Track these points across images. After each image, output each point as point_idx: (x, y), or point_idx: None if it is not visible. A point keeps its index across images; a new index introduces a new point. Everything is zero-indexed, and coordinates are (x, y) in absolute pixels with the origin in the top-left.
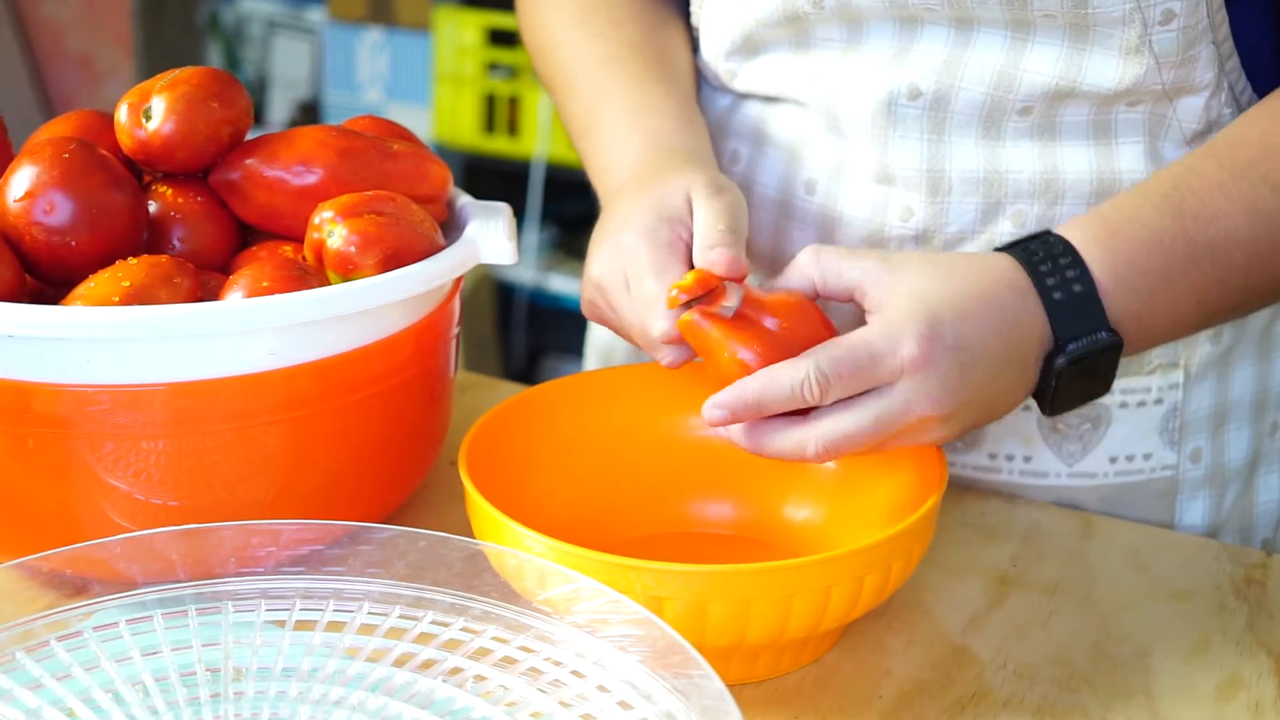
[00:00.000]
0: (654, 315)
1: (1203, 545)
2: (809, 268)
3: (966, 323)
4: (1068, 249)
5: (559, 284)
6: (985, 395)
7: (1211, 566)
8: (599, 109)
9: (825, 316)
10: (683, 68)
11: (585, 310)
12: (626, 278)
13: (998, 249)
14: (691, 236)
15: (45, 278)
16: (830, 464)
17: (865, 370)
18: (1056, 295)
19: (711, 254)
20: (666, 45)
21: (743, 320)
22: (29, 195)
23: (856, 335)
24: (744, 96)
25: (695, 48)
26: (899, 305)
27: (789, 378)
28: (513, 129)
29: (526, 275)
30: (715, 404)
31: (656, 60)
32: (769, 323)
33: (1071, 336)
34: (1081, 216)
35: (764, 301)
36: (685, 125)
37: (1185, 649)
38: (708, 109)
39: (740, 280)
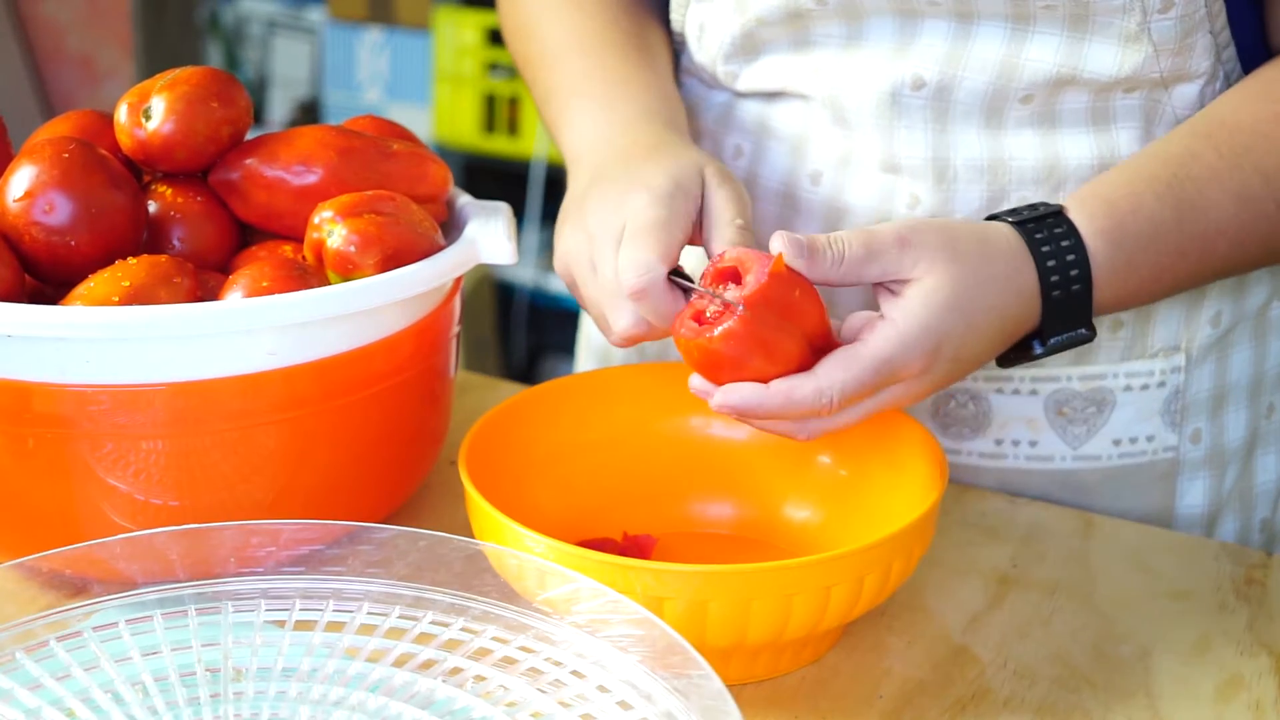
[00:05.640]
0: (638, 272)
1: (1203, 545)
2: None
3: (970, 335)
4: (1077, 246)
5: (559, 284)
6: (962, 374)
7: (1212, 566)
8: (588, 77)
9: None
10: (664, 59)
11: (559, 262)
12: (622, 234)
13: (1019, 221)
14: (697, 214)
15: (45, 278)
16: (830, 463)
17: (878, 385)
18: (1055, 294)
19: (732, 249)
20: (650, 37)
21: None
22: (29, 195)
23: (873, 351)
24: (742, 94)
25: (678, 52)
26: (918, 316)
27: (811, 398)
28: (513, 129)
29: (526, 275)
30: (727, 403)
31: (642, 46)
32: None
33: (1056, 331)
34: (1090, 198)
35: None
36: (676, 104)
37: (1186, 649)
38: (705, 107)
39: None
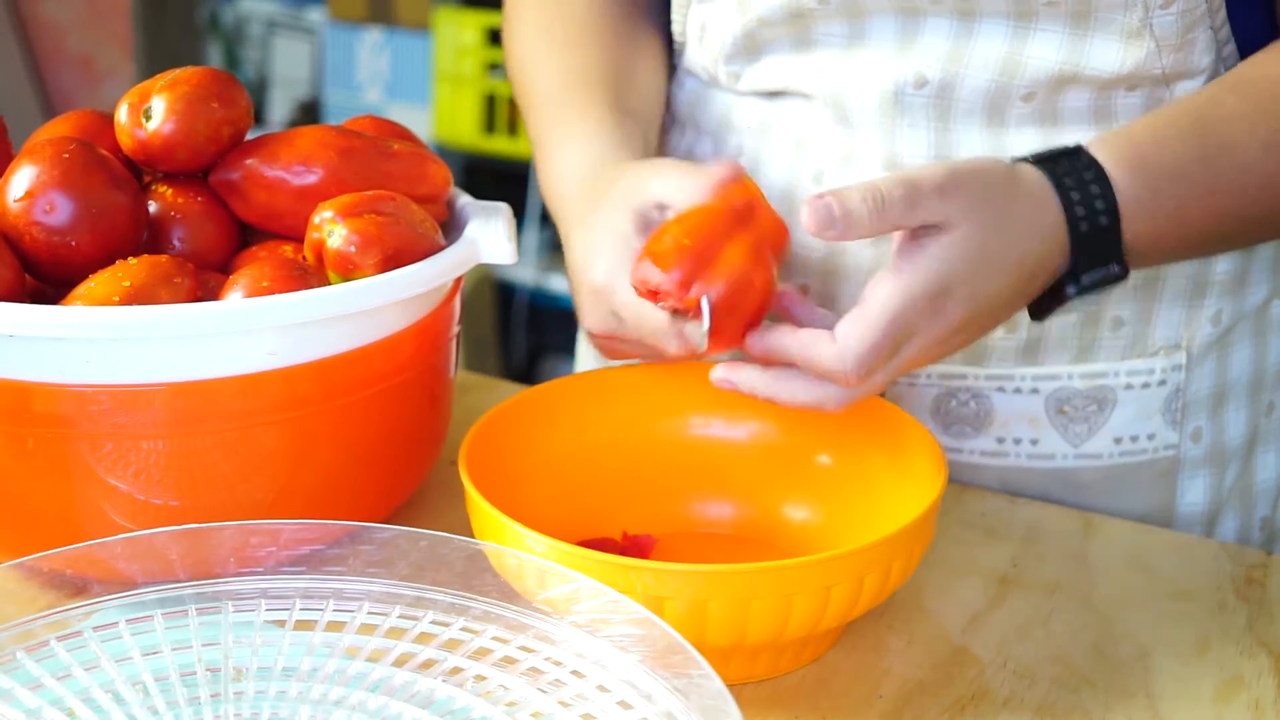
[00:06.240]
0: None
1: (1203, 545)
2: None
3: (982, 269)
4: (1100, 176)
5: (559, 284)
6: (984, 327)
7: (1211, 566)
8: (549, 134)
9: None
10: (644, 87)
11: (587, 322)
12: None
13: (1039, 159)
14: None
15: (45, 278)
16: (829, 463)
17: (895, 339)
18: (1083, 227)
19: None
20: (627, 64)
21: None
22: (29, 195)
23: (883, 311)
24: (743, 94)
25: (678, 54)
26: (927, 269)
27: (830, 363)
28: (513, 129)
29: (526, 275)
30: (731, 374)
31: (610, 82)
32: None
33: (1087, 268)
34: (1111, 137)
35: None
36: (622, 149)
37: (1185, 649)
38: (706, 107)
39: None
